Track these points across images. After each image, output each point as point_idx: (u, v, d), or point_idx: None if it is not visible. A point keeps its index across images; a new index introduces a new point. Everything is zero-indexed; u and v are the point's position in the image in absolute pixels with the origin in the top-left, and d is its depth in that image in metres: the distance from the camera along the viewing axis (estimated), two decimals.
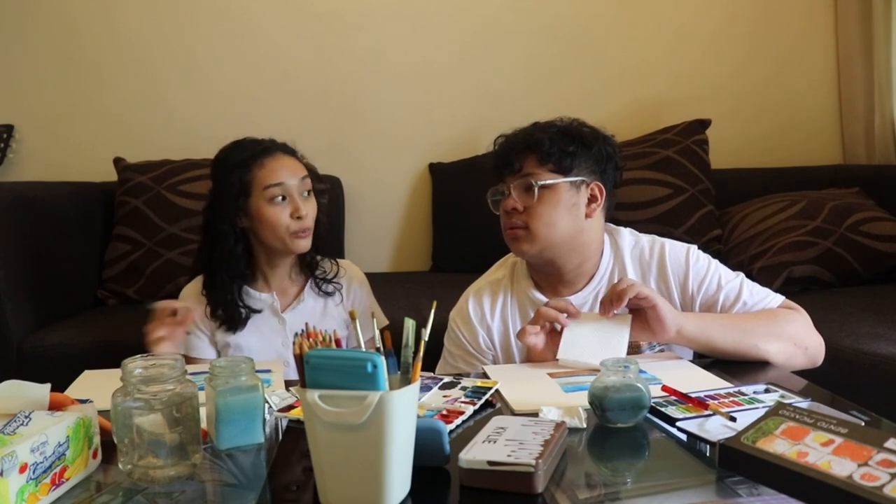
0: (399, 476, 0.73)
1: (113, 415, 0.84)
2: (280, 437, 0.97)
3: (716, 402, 0.98)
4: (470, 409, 1.00)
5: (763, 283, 1.37)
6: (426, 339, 0.78)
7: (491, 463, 0.76)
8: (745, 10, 2.73)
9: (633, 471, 0.86)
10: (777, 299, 1.32)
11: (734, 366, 1.20)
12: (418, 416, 0.77)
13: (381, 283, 1.80)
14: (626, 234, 1.41)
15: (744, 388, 1.04)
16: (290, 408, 1.04)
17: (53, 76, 2.59)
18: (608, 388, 0.93)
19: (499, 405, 1.05)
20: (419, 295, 2.06)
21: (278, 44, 2.63)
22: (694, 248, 1.37)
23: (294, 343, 0.77)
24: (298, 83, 2.64)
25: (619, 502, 0.75)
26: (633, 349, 1.28)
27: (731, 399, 1.00)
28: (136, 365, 0.84)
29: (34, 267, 2.00)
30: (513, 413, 1.01)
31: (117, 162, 2.42)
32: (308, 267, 1.57)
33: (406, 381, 0.76)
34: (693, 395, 0.99)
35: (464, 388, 1.09)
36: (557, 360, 1.21)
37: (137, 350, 1.41)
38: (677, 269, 1.34)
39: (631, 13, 2.70)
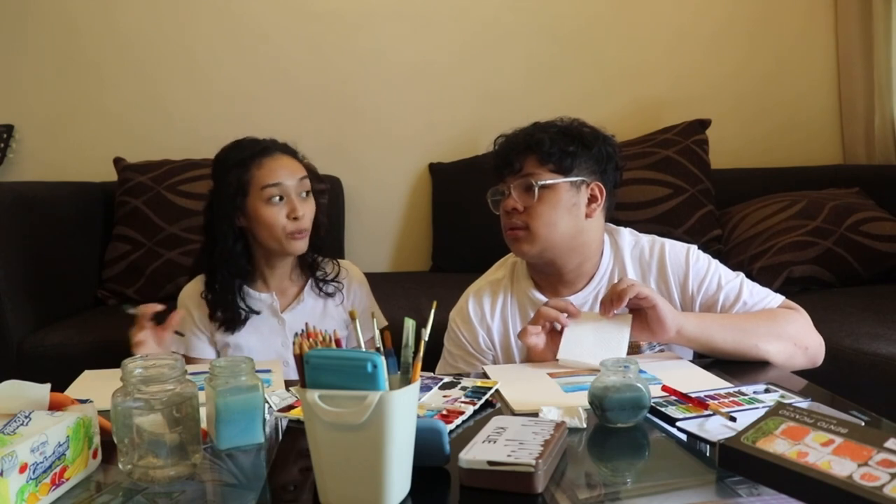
0: (399, 476, 0.73)
1: (113, 415, 0.84)
2: (280, 437, 0.97)
3: (716, 402, 0.98)
4: (470, 409, 1.00)
5: (763, 283, 1.37)
6: (426, 339, 0.78)
7: (491, 463, 0.76)
8: (745, 10, 2.73)
9: (633, 471, 0.86)
10: (777, 299, 1.32)
11: (734, 366, 1.20)
12: (418, 416, 0.77)
13: (381, 283, 1.80)
14: (626, 234, 1.41)
15: (744, 388, 1.04)
16: (290, 408, 1.04)
17: (53, 76, 2.59)
18: (608, 388, 0.93)
19: (499, 405, 1.05)
20: (419, 295, 2.06)
21: (278, 44, 2.63)
22: (694, 248, 1.37)
23: (294, 343, 0.77)
24: (298, 83, 2.64)
25: (619, 502, 0.75)
26: (633, 349, 1.28)
27: (731, 399, 1.00)
28: (136, 365, 0.84)
29: (34, 267, 2.00)
30: (513, 413, 1.01)
31: (117, 162, 2.42)
32: (309, 268, 1.57)
33: (406, 381, 0.76)
34: (693, 395, 0.99)
35: (464, 388, 1.09)
36: (557, 360, 1.21)
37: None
38: (677, 269, 1.34)
39: (631, 13, 2.70)
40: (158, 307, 1.41)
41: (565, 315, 1.23)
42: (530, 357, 1.27)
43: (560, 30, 2.69)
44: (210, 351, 1.53)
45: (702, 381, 1.11)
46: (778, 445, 0.74)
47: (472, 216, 2.18)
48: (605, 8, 2.69)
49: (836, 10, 2.74)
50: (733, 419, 0.91)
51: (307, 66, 2.64)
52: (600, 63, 2.71)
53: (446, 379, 1.15)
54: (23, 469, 0.72)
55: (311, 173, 1.54)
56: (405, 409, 0.73)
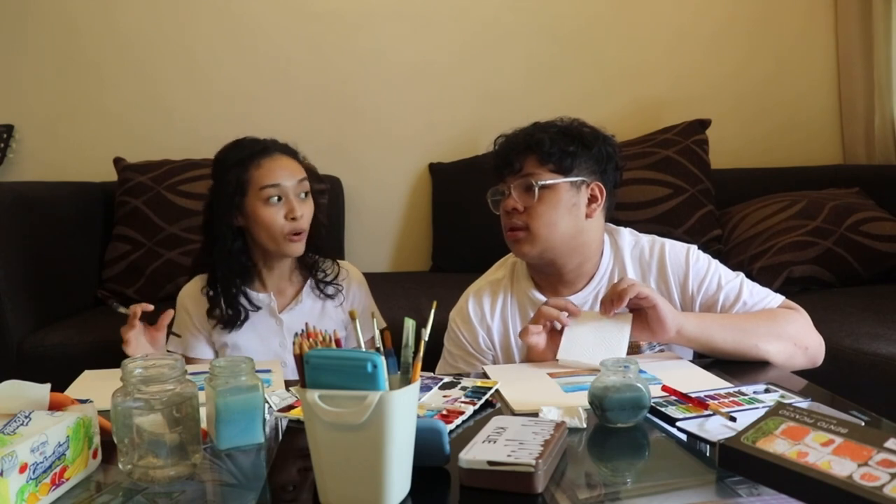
0: (399, 476, 0.73)
1: (113, 415, 0.84)
2: (280, 437, 0.97)
3: (716, 402, 0.98)
4: (470, 409, 1.00)
5: (763, 283, 1.37)
6: (426, 339, 0.78)
7: (491, 463, 0.76)
8: (745, 10, 2.73)
9: (633, 471, 0.86)
10: (777, 299, 1.32)
11: (734, 366, 1.20)
12: (418, 416, 0.77)
13: (381, 283, 1.80)
14: (626, 234, 1.41)
15: (744, 388, 1.04)
16: (290, 408, 1.04)
17: (53, 76, 2.59)
18: (608, 388, 0.93)
19: (499, 405, 1.05)
20: (419, 295, 2.06)
21: (278, 44, 2.63)
22: (694, 248, 1.37)
23: (294, 343, 0.77)
24: (298, 83, 2.64)
25: (619, 502, 0.75)
26: (633, 349, 1.28)
27: (731, 399, 1.00)
28: (136, 365, 0.84)
29: (34, 267, 2.00)
30: (513, 413, 1.01)
31: (117, 162, 2.42)
32: (309, 269, 1.57)
33: (406, 381, 0.76)
34: (693, 395, 0.99)
35: (464, 388, 1.09)
36: (557, 360, 1.21)
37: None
38: (677, 269, 1.34)
39: (631, 13, 2.70)
40: (148, 307, 1.41)
41: (566, 314, 1.23)
42: (530, 357, 1.27)
43: (560, 30, 2.69)
44: (208, 351, 1.53)
45: (702, 381, 1.11)
46: (778, 445, 0.74)
47: (472, 216, 2.18)
48: (605, 8, 2.69)
49: (836, 10, 2.74)
50: (733, 419, 0.91)
51: (307, 66, 2.64)
52: (600, 63, 2.71)
53: (446, 379, 1.15)
54: (23, 469, 0.72)
55: (311, 174, 1.54)
56: (405, 409, 0.73)
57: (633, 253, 1.39)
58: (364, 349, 0.79)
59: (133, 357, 0.87)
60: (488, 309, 1.42)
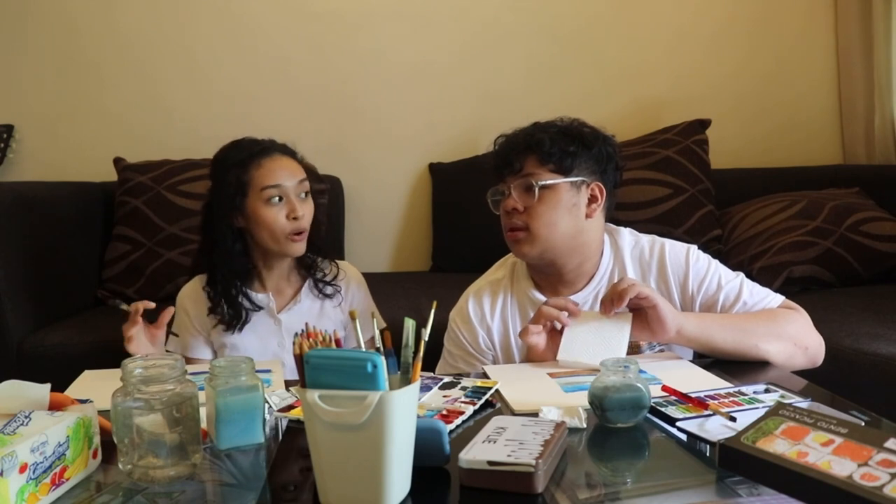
0: (399, 476, 0.73)
1: (113, 415, 0.84)
2: (280, 437, 0.97)
3: (716, 402, 0.98)
4: (470, 409, 1.00)
5: (763, 283, 1.37)
6: (426, 339, 0.78)
7: (491, 463, 0.76)
8: (745, 10, 2.73)
9: (633, 471, 0.86)
10: (777, 299, 1.32)
11: (734, 366, 1.20)
12: (418, 416, 0.77)
13: (381, 283, 1.80)
14: (626, 234, 1.41)
15: (744, 388, 1.04)
16: (290, 408, 1.04)
17: (53, 76, 2.59)
18: (608, 388, 0.93)
19: (499, 405, 1.05)
20: (419, 295, 2.06)
21: (278, 44, 2.63)
22: (694, 248, 1.37)
23: (294, 343, 0.77)
24: (298, 83, 2.64)
25: (619, 502, 0.75)
26: (633, 349, 1.28)
27: (731, 399, 1.00)
28: (136, 365, 0.84)
29: (34, 267, 2.00)
30: (513, 413, 1.01)
31: (117, 162, 2.42)
32: (307, 269, 1.57)
33: (406, 381, 0.76)
34: (693, 395, 0.99)
35: (464, 388, 1.09)
36: (557, 360, 1.21)
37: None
38: (677, 269, 1.34)
39: (631, 13, 2.70)
40: (150, 304, 1.42)
41: (566, 314, 1.23)
42: (530, 357, 1.27)
43: (560, 30, 2.69)
44: (207, 352, 1.53)
45: (702, 381, 1.11)
46: (778, 445, 0.74)
47: (472, 216, 2.18)
48: (605, 8, 2.69)
49: (836, 10, 2.74)
50: (733, 419, 0.91)
51: (307, 66, 2.64)
52: (600, 63, 2.71)
53: (446, 379, 1.15)
54: (23, 469, 0.72)
55: (311, 174, 1.54)
56: (405, 409, 0.73)
57: (633, 253, 1.39)
58: (364, 349, 0.79)
59: (133, 357, 0.87)
60: (488, 309, 1.42)
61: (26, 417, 0.79)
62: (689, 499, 0.75)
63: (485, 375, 1.19)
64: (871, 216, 2.17)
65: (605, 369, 0.95)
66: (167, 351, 1.50)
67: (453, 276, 2.20)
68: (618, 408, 0.92)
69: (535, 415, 0.95)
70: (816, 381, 1.11)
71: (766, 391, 1.03)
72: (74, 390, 1.17)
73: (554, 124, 1.37)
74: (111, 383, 0.86)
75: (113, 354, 1.17)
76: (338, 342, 0.81)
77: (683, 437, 0.90)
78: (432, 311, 0.82)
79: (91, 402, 0.89)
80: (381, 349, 0.77)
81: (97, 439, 0.85)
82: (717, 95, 2.71)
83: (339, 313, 1.57)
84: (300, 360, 0.74)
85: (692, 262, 1.34)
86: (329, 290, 1.57)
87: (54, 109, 2.60)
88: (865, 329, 1.66)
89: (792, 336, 1.24)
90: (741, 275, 1.35)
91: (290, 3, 2.63)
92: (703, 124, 2.47)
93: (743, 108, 2.75)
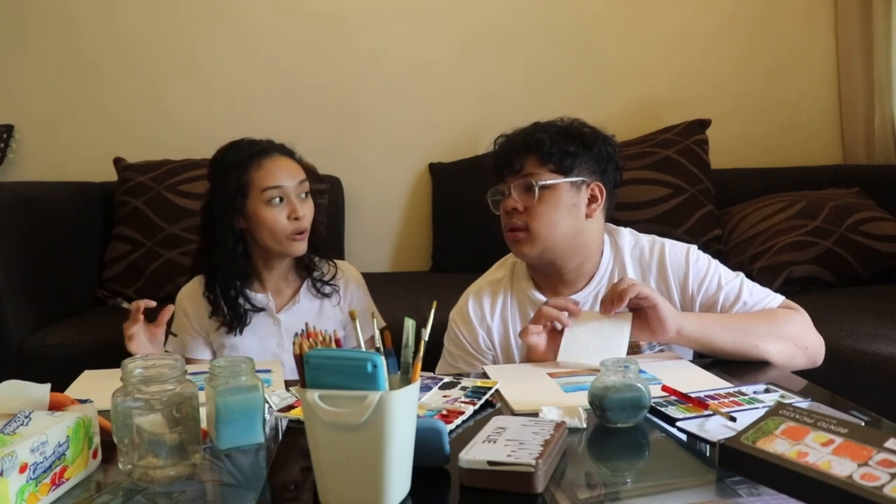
0: (399, 476, 0.73)
1: (113, 415, 0.84)
2: (280, 437, 0.97)
3: (716, 402, 0.98)
4: (470, 409, 1.00)
5: (763, 283, 1.37)
6: (426, 339, 0.78)
7: (491, 463, 0.76)
8: (745, 10, 2.73)
9: (633, 471, 0.86)
10: (777, 299, 1.32)
11: (734, 366, 1.20)
12: (418, 416, 0.77)
13: (381, 283, 1.80)
14: (626, 234, 1.41)
15: (744, 388, 1.04)
16: (290, 408, 1.04)
17: (53, 76, 2.59)
18: (608, 388, 0.93)
19: (499, 405, 1.05)
20: (419, 295, 2.06)
21: (278, 44, 2.63)
22: (694, 248, 1.37)
23: (294, 343, 0.77)
24: (298, 83, 2.64)
25: (619, 502, 0.75)
26: (633, 349, 1.28)
27: (731, 399, 1.00)
28: (136, 365, 0.84)
29: (34, 267, 2.00)
30: (513, 413, 1.01)
31: (117, 162, 2.42)
32: (305, 268, 1.57)
33: (406, 381, 0.76)
34: (693, 395, 0.98)
35: (464, 388, 1.09)
36: (558, 360, 1.21)
37: None
38: (677, 269, 1.34)
39: (631, 13, 2.70)
40: (151, 303, 1.42)
41: (566, 315, 1.23)
42: (530, 357, 1.27)
43: (560, 30, 2.69)
44: (206, 352, 1.53)
45: (702, 381, 1.11)
46: (778, 445, 0.74)
47: (472, 216, 2.18)
48: (605, 8, 2.69)
49: (836, 10, 2.74)
50: (733, 419, 0.91)
51: (307, 66, 2.64)
52: (600, 63, 2.71)
53: (446, 379, 1.15)
54: (23, 469, 0.72)
55: (311, 174, 1.54)
56: (405, 409, 0.73)
57: (633, 253, 1.39)
58: (364, 349, 0.79)
59: (133, 357, 0.87)
60: (488, 309, 1.41)
61: (26, 417, 0.79)
62: (689, 499, 0.75)
63: (485, 375, 1.19)
64: (871, 216, 2.17)
65: (605, 369, 0.95)
66: (166, 351, 1.50)
67: (453, 276, 2.20)
68: (618, 408, 0.92)
69: (535, 415, 0.95)
70: (816, 381, 1.11)
71: (766, 391, 1.03)
72: (74, 390, 1.17)
73: (554, 124, 1.37)
74: (111, 383, 0.86)
75: (113, 354, 1.17)
76: (338, 342, 0.81)
77: (683, 437, 0.90)
78: (432, 311, 0.82)
79: (91, 402, 0.89)
80: (381, 349, 0.77)
81: (97, 439, 0.85)
82: (717, 95, 2.71)
83: (338, 313, 1.57)
84: (300, 360, 0.74)
85: (692, 262, 1.34)
86: (327, 289, 1.56)
87: (54, 109, 2.60)
88: (865, 329, 1.66)
89: (792, 336, 1.24)
90: (741, 275, 1.35)
91: (290, 3, 2.63)
92: (703, 124, 2.47)
93: (743, 108, 2.75)
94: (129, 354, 1.33)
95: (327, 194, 2.40)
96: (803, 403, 0.96)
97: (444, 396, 1.06)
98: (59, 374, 1.12)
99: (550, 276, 1.39)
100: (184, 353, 1.51)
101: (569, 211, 1.32)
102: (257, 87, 2.63)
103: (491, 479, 0.76)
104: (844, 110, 2.76)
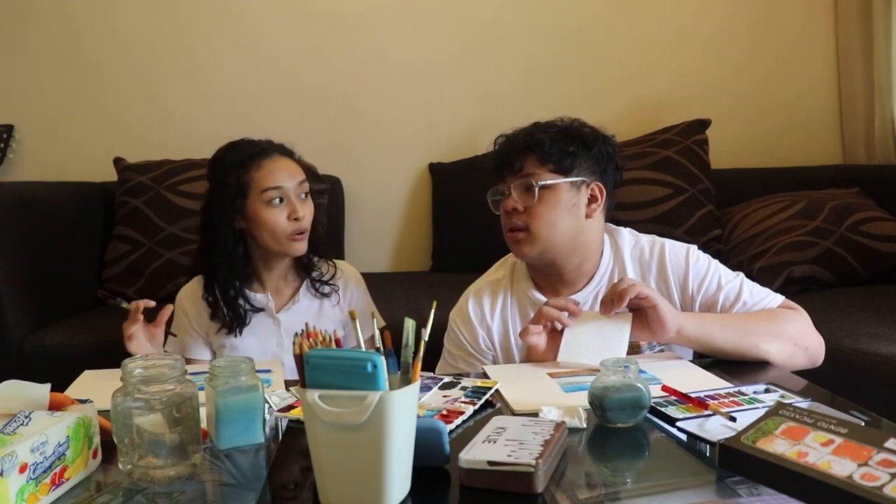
0: (399, 476, 0.73)
1: (113, 415, 0.84)
2: (280, 437, 0.97)
3: (716, 402, 0.98)
4: (470, 409, 1.00)
5: (763, 283, 1.37)
6: (426, 339, 0.78)
7: (491, 463, 0.76)
8: (745, 10, 2.73)
9: (633, 471, 0.86)
10: (777, 299, 1.32)
11: (734, 366, 1.20)
12: (418, 416, 0.77)
13: (381, 283, 1.80)
14: (626, 234, 1.41)
15: (744, 388, 1.04)
16: (290, 408, 1.04)
17: (53, 76, 2.59)
18: (608, 388, 0.93)
19: (499, 405, 1.05)
20: (419, 295, 2.06)
21: (278, 44, 2.63)
22: (694, 248, 1.37)
23: (294, 343, 0.77)
24: (298, 83, 2.64)
25: (619, 502, 0.75)
26: (633, 349, 1.28)
27: (731, 399, 1.00)
28: (136, 365, 0.84)
29: (34, 267, 2.00)
30: (513, 413, 1.01)
31: (117, 162, 2.42)
32: (304, 268, 1.57)
33: (406, 381, 0.76)
34: (693, 395, 0.99)
35: (464, 388, 1.09)
36: (558, 360, 1.21)
37: None
38: (677, 269, 1.34)
39: (631, 13, 2.70)
40: (150, 303, 1.42)
41: (566, 315, 1.23)
42: (531, 357, 1.27)
43: (560, 30, 2.69)
44: (206, 352, 1.53)
45: (702, 381, 1.11)
46: (778, 445, 0.74)
47: (472, 216, 2.18)
48: (605, 8, 2.69)
49: (836, 10, 2.74)
50: (733, 419, 0.91)
51: (307, 66, 2.64)
52: (600, 63, 2.71)
53: (446, 379, 1.15)
54: (23, 469, 0.72)
55: (310, 174, 1.54)
56: (405, 409, 0.73)
57: (633, 253, 1.39)
58: (364, 349, 0.79)
59: (133, 357, 0.87)
60: (488, 309, 1.42)
61: (26, 417, 0.79)
62: (689, 499, 0.75)
63: (485, 375, 1.19)
64: (871, 216, 2.17)
65: (605, 369, 0.95)
66: (165, 351, 1.50)
67: (453, 276, 2.20)
68: (618, 408, 0.92)
69: (535, 415, 0.95)
70: (816, 381, 1.11)
71: (766, 391, 1.03)
72: (74, 390, 1.17)
73: (554, 124, 1.37)
74: (111, 383, 0.86)
75: (113, 354, 1.17)
76: (338, 342, 0.81)
77: (683, 437, 0.90)
78: (432, 311, 0.82)
79: (91, 402, 0.89)
80: (381, 349, 0.77)
81: (97, 439, 0.85)
82: (717, 95, 2.71)
83: (338, 312, 1.57)
84: (300, 360, 0.74)
85: (692, 262, 1.34)
86: (326, 289, 1.56)
87: (54, 109, 2.60)
88: (865, 329, 1.66)
89: (792, 336, 1.24)
90: (741, 275, 1.35)
91: (290, 3, 2.63)
92: (703, 124, 2.47)
93: (743, 108, 2.75)
94: (128, 354, 1.33)
95: (327, 194, 2.40)
96: (803, 403, 0.96)
97: (444, 396, 1.06)
98: (59, 374, 1.12)
99: (550, 276, 1.39)
100: (183, 353, 1.51)
101: (569, 211, 1.32)
102: (257, 87, 2.63)
103: (491, 479, 0.76)
104: (844, 110, 2.76)
